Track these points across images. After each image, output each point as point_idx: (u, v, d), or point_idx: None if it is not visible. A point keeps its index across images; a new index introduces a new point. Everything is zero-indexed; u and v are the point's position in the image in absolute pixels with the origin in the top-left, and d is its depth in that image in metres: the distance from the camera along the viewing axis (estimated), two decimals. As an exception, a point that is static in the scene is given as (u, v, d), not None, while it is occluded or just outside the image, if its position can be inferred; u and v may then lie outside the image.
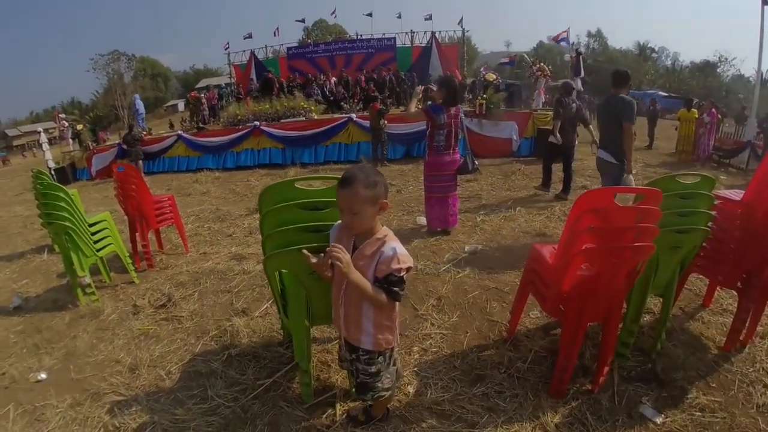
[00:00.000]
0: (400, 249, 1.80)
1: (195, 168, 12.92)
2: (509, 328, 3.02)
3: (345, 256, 1.75)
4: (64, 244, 4.09)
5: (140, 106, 19.97)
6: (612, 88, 4.87)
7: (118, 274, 4.71)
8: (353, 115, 11.97)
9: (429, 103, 5.31)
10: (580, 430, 2.18)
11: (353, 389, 2.40)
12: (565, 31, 15.43)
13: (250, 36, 24.94)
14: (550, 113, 12.07)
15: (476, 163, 5.41)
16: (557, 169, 7.38)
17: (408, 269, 1.81)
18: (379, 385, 2.03)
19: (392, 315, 1.97)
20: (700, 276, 3.44)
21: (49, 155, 16.09)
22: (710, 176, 2.67)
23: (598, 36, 70.72)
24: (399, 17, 23.59)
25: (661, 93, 40.52)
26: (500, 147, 11.02)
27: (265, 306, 3.72)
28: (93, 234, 4.29)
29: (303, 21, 29.78)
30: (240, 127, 12.93)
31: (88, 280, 4.18)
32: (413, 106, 5.36)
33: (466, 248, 4.77)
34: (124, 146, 13.62)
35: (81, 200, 5.72)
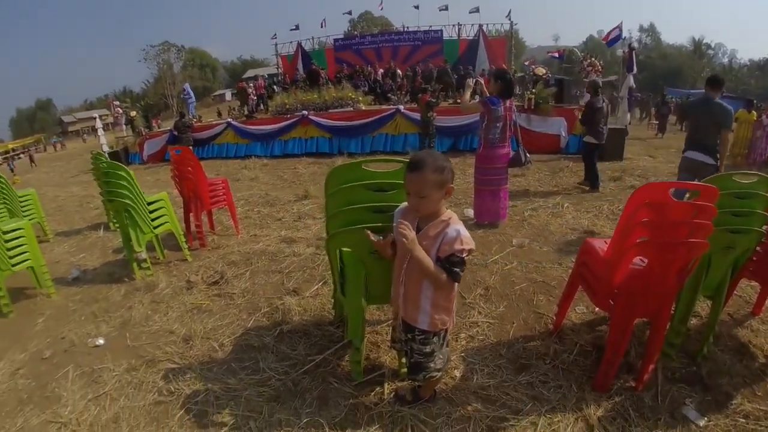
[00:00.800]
0: (464, 231, 1.83)
1: (243, 155, 13.21)
2: (555, 321, 2.99)
3: (411, 233, 1.79)
4: (123, 221, 4.30)
5: (191, 94, 20.58)
6: (709, 91, 4.93)
7: (171, 252, 4.91)
8: (401, 107, 11.95)
9: (486, 95, 5.24)
10: (622, 425, 2.14)
11: (403, 370, 2.45)
12: (617, 26, 14.71)
13: (297, 28, 25.21)
14: None
15: (528, 156, 5.36)
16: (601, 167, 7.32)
17: (470, 251, 1.84)
18: (432, 365, 2.05)
19: (450, 296, 1.99)
20: (752, 282, 3.31)
21: (103, 140, 16.84)
22: (767, 176, 2.55)
23: (650, 31, 68.74)
24: (446, 9, 23.25)
25: None
26: (548, 143, 10.77)
27: (316, 287, 3.79)
28: (150, 212, 4.48)
29: (350, 13, 29.95)
30: (288, 116, 13.12)
31: (144, 255, 4.41)
32: (468, 98, 5.30)
33: (514, 242, 4.71)
34: (176, 132, 14.08)
35: (136, 182, 6.11)
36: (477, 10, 22.09)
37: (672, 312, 2.53)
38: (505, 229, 5.16)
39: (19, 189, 6.26)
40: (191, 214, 5.13)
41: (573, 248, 4.36)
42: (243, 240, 5.28)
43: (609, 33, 14.80)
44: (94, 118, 19.84)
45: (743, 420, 2.18)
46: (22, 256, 3.93)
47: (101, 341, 3.19)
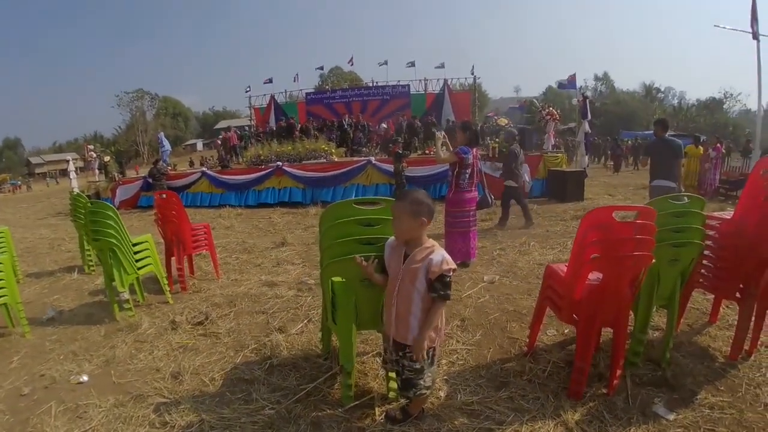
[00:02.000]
0: (447, 255, 2.15)
1: (217, 204, 13.38)
2: (528, 343, 3.24)
3: None
4: (107, 260, 4.33)
5: (165, 143, 20.85)
6: (660, 131, 6.35)
7: (151, 295, 4.94)
8: (372, 158, 12.42)
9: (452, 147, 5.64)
10: (598, 426, 2.36)
11: (392, 393, 2.65)
12: (572, 76, 15.84)
13: (270, 81, 26.01)
14: (560, 155, 12.52)
15: (492, 198, 5.83)
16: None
17: (454, 270, 2.15)
18: (422, 382, 2.26)
19: (437, 314, 2.21)
20: (707, 296, 3.73)
21: (75, 183, 16.92)
22: (699, 197, 3.00)
23: (605, 79, 72.79)
24: (413, 65, 24.47)
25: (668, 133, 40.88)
26: None
27: (300, 325, 3.91)
28: (134, 253, 4.56)
29: (322, 68, 31.00)
30: (263, 166, 13.42)
31: (126, 296, 4.39)
32: (442, 152, 5.60)
33: (485, 278, 4.97)
34: (150, 180, 14.19)
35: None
36: (442, 65, 23.35)
37: (632, 323, 2.84)
38: (476, 268, 5.43)
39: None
40: (173, 257, 5.19)
41: (540, 281, 4.64)
42: (224, 284, 5.35)
43: (567, 79, 15.93)
44: (67, 161, 19.73)
45: (708, 411, 2.44)
46: (-3, 293, 3.90)
47: (85, 378, 3.18)
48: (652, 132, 7.52)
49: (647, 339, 2.98)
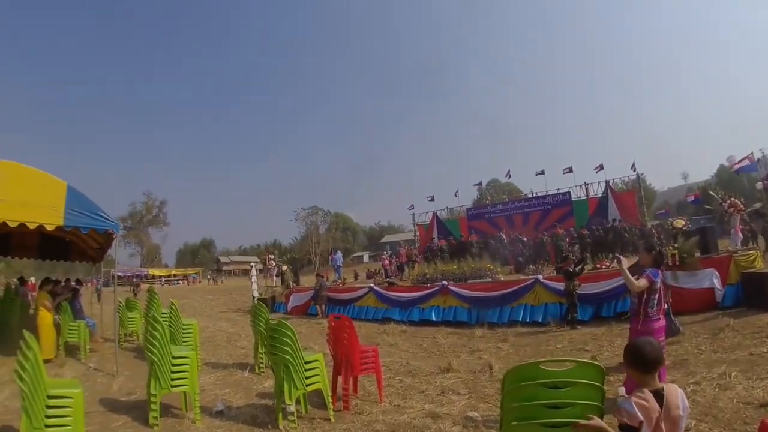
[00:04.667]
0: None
1: (381, 317, 13.84)
2: None
3: None
4: (280, 374, 4.78)
5: (339, 260, 23.77)
6: None
7: (314, 408, 5.26)
8: (540, 276, 11.96)
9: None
10: None
11: None
12: (747, 157, 13.76)
13: (432, 198, 27.55)
14: (754, 252, 10.62)
15: (678, 323, 5.10)
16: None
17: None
18: None
19: None
20: None
21: (255, 285, 19.05)
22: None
23: None
24: (570, 171, 23.90)
25: None
26: (702, 299, 9.81)
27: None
28: (305, 371, 4.95)
29: (480, 184, 32.07)
30: (428, 285, 13.74)
31: (292, 408, 4.70)
32: (630, 277, 4.80)
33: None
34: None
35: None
36: (601, 167, 22.48)
37: None
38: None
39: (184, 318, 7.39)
40: (340, 376, 5.53)
41: (750, 429, 3.99)
42: (386, 409, 5.39)
43: (739, 161, 13.96)
44: (251, 265, 22.89)
45: None
46: (183, 380, 4.71)
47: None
48: None
49: None
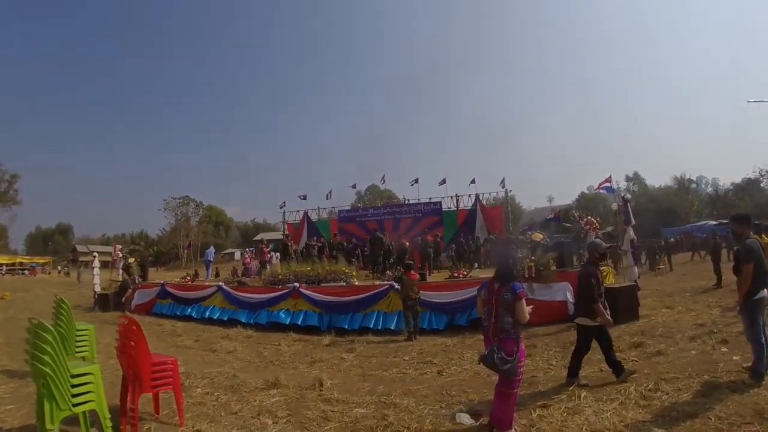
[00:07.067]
0: None
1: (227, 319, 12.70)
2: None
3: None
4: (39, 389, 3.89)
5: (211, 255, 23.41)
6: (746, 229, 5.14)
7: None
8: (395, 283, 11.20)
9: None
10: None
11: None
12: (607, 179, 15.06)
13: (304, 197, 26.44)
14: (606, 268, 11.04)
15: None
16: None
17: None
18: None
19: None
20: None
21: (97, 279, 17.47)
22: None
23: (636, 178, 72.70)
24: (444, 183, 24.31)
25: (711, 222, 39.12)
26: (554, 311, 9.89)
27: None
28: (74, 386, 3.98)
29: (354, 186, 31.30)
30: (279, 287, 12.77)
31: None
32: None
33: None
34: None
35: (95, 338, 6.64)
36: (473, 181, 23.17)
37: None
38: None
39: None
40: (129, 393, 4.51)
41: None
42: None
43: (600, 183, 15.12)
44: (93, 256, 20.76)
45: None
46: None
47: None
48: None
49: None
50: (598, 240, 6.43)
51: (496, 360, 3.99)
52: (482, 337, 4.48)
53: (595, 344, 5.67)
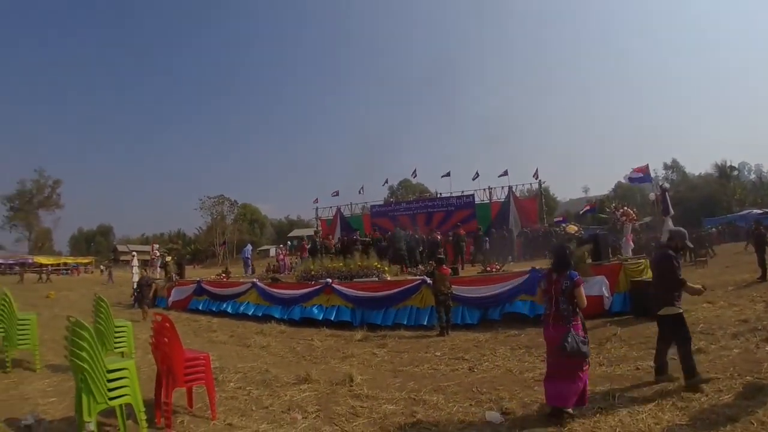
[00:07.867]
0: None
1: (262, 315, 12.85)
2: None
3: None
4: (78, 384, 4.04)
5: (248, 252, 23.71)
6: None
7: (136, 424, 4.37)
8: (427, 278, 11.08)
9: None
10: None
11: None
12: (644, 167, 14.25)
13: (337, 193, 26.63)
14: (643, 261, 10.55)
15: None
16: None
17: None
18: None
19: None
20: None
21: (136, 278, 17.63)
22: None
23: (674, 166, 70.15)
24: (477, 177, 24.01)
25: (755, 211, 37.23)
26: (590, 306, 9.52)
27: None
28: (110, 381, 4.18)
29: (386, 182, 31.29)
30: (312, 282, 12.86)
31: (92, 427, 3.97)
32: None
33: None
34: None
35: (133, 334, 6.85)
36: (506, 173, 22.79)
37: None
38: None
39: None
40: (163, 388, 4.68)
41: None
42: (215, 428, 4.62)
43: (634, 172, 14.40)
44: (132, 255, 21.48)
45: None
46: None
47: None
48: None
49: None
50: (683, 229, 5.93)
51: (579, 345, 4.19)
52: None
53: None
